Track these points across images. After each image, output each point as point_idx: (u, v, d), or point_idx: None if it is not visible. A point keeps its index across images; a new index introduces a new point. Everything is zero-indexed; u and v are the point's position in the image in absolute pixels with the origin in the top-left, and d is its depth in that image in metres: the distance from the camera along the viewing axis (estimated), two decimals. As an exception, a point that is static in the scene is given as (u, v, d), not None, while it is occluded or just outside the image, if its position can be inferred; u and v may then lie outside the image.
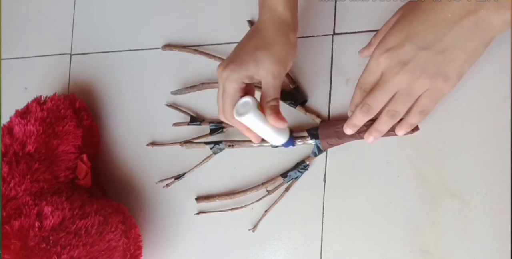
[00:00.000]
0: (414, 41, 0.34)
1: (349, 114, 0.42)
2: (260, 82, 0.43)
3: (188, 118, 0.59)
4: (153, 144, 0.62)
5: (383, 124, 0.40)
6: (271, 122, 0.41)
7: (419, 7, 0.35)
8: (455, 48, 0.33)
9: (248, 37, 0.45)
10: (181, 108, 0.60)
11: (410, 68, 0.35)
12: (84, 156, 0.61)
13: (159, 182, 0.61)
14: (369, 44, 0.46)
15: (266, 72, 0.41)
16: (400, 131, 0.42)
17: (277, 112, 0.41)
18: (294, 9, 0.45)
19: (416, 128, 0.44)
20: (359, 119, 0.41)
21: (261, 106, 0.42)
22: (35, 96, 0.62)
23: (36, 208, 0.51)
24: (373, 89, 0.38)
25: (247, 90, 0.45)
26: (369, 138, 0.42)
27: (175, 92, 0.61)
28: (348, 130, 0.43)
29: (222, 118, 0.45)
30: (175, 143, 0.60)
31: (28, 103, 0.61)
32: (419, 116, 0.39)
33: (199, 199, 0.58)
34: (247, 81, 0.42)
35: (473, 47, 0.33)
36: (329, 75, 0.52)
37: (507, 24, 0.31)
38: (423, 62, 0.34)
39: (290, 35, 0.43)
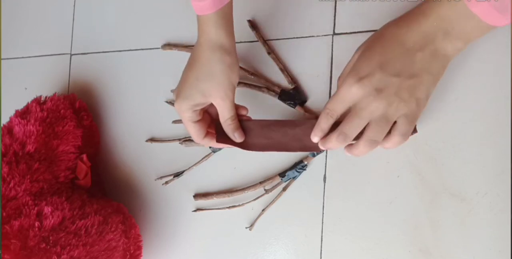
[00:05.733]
0: (385, 69, 0.37)
1: (313, 138, 0.42)
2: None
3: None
4: (152, 140, 0.62)
5: (362, 150, 0.40)
6: (236, 140, 0.46)
7: (383, 38, 0.38)
8: (422, 73, 0.37)
9: (189, 67, 0.46)
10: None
11: (385, 95, 0.37)
12: (84, 156, 0.61)
13: (158, 179, 0.61)
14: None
15: (214, 99, 0.44)
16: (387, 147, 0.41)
17: (235, 130, 0.46)
18: (227, 28, 0.45)
19: (414, 131, 0.44)
20: (335, 147, 0.41)
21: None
22: (35, 96, 0.62)
23: (36, 208, 0.51)
24: (348, 117, 0.39)
25: (207, 108, 0.47)
26: (350, 154, 0.42)
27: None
28: (322, 148, 0.43)
29: (198, 142, 0.48)
30: (174, 139, 0.60)
31: (28, 103, 0.61)
32: (401, 138, 0.39)
33: (197, 196, 0.58)
34: (198, 108, 0.46)
35: (436, 70, 0.37)
36: (329, 75, 0.52)
37: (458, 50, 0.37)
38: (396, 88, 0.37)
39: (226, 58, 0.45)
